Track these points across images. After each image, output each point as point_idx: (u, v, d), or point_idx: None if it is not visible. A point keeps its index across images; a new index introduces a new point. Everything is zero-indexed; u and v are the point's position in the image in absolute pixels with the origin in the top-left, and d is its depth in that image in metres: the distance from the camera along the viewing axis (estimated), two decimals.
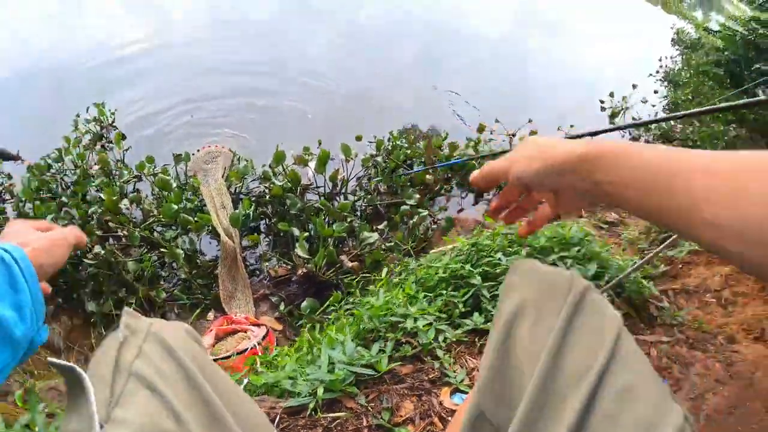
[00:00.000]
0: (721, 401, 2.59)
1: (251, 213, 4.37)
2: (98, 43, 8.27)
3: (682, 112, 3.03)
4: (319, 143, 5.10)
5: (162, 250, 4.01)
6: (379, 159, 5.14)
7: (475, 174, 0.98)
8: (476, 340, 2.50)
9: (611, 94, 8.38)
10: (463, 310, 2.63)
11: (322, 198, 4.68)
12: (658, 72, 11.56)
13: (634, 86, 8.60)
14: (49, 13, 9.44)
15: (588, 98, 8.57)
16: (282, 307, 3.98)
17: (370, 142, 5.37)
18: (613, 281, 2.65)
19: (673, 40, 14.92)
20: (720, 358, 2.83)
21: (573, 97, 8.64)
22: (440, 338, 2.46)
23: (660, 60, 12.06)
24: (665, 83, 10.99)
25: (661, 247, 3.17)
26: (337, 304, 3.43)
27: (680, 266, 4.01)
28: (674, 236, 3.43)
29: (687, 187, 0.61)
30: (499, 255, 2.86)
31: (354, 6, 10.72)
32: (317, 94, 7.12)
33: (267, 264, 4.27)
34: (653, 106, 9.56)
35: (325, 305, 3.63)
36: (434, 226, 4.72)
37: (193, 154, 5.21)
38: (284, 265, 4.18)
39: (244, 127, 6.11)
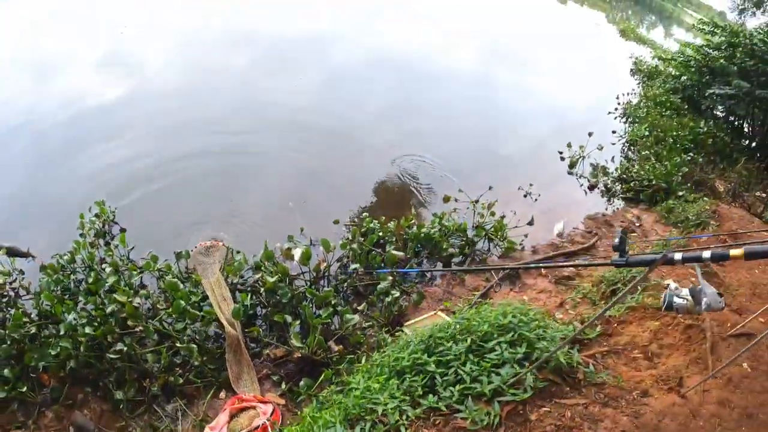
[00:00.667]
0: None
1: (249, 304, 5.06)
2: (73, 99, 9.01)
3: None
4: (302, 230, 5.89)
5: (175, 343, 4.68)
6: (354, 246, 5.83)
7: None
8: (431, 415, 3.21)
9: (569, 145, 9.02)
10: (421, 392, 3.33)
11: (310, 287, 5.39)
12: (616, 109, 12.27)
13: (590, 134, 9.18)
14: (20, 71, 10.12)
15: (549, 147, 9.21)
16: (283, 385, 4.63)
17: (347, 225, 6.10)
18: (538, 361, 3.34)
19: (631, 70, 15.87)
20: (629, 412, 3.42)
21: (536, 148, 9.30)
22: (404, 417, 3.17)
23: (617, 98, 12.77)
24: (624, 119, 11.69)
25: (597, 315, 3.88)
26: (329, 380, 4.19)
27: (615, 325, 4.67)
28: (619, 295, 4.18)
29: None
30: (450, 344, 3.59)
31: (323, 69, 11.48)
32: (297, 167, 7.85)
33: (266, 351, 4.94)
34: (613, 144, 10.26)
35: (319, 380, 4.39)
36: (406, 301, 5.42)
37: (191, 251, 5.85)
38: (281, 347, 4.86)
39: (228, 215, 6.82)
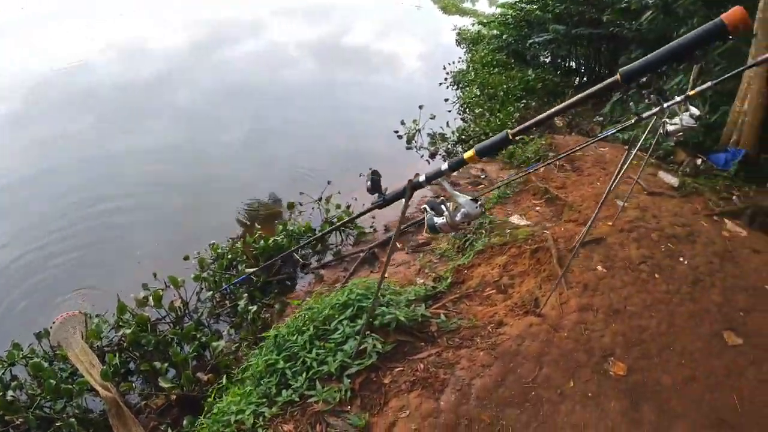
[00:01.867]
0: (488, 380, 3.40)
1: (118, 362, 5.02)
2: None
3: None
4: (155, 275, 5.83)
5: (56, 423, 4.58)
6: (205, 275, 5.90)
7: None
8: (287, 409, 3.37)
9: (402, 122, 9.45)
10: (275, 390, 3.50)
11: (174, 327, 5.40)
12: (446, 79, 12.84)
13: (420, 107, 9.58)
14: None
15: (392, 131, 9.57)
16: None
17: (195, 258, 6.11)
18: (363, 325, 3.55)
19: (456, 41, 16.76)
20: (485, 346, 3.68)
21: (380, 135, 9.62)
22: (260, 419, 3.32)
23: (444, 68, 13.36)
24: (455, 86, 12.36)
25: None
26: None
27: (465, 271, 5.05)
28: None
29: None
30: (295, 336, 3.77)
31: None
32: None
33: (145, 402, 4.92)
34: (449, 111, 10.82)
35: (203, 414, 4.43)
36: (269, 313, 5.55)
37: (50, 328, 5.67)
38: (160, 395, 4.86)
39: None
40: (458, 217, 2.19)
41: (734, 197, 6.78)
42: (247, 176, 8.25)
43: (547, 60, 13.84)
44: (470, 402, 3.28)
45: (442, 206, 2.27)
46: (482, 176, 7.92)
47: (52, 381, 4.74)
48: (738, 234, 5.62)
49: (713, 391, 3.54)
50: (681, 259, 4.71)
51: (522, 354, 3.59)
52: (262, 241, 6.15)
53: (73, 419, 4.53)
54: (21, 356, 5.32)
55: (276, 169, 8.44)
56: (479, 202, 2.21)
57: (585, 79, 13.66)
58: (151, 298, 5.48)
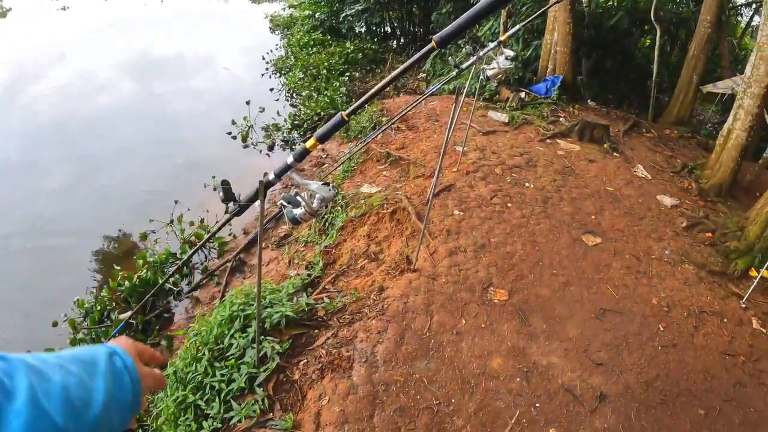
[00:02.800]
0: (389, 344, 3.47)
1: None
2: None
3: None
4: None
5: None
6: (81, 335, 5.39)
7: None
8: None
9: (233, 122, 9.15)
10: (195, 426, 3.32)
11: None
12: (267, 69, 12.59)
13: (247, 103, 9.41)
14: None
15: (225, 131, 9.19)
16: None
17: (64, 321, 5.55)
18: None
19: (270, 28, 16.45)
20: (374, 314, 3.73)
21: (217, 141, 9.16)
22: None
23: (263, 58, 13.12)
24: (278, 74, 12.18)
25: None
26: None
27: (333, 251, 5.06)
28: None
29: None
30: (194, 365, 3.59)
31: None
32: None
33: None
34: (277, 100, 10.63)
35: None
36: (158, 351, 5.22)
37: None
38: None
39: None
40: (315, 204, 2.20)
41: (561, 118, 7.44)
42: (87, 216, 7.57)
43: (363, 30, 14.08)
44: (379, 368, 3.34)
45: (298, 197, 2.25)
46: (324, 156, 7.98)
47: None
48: (572, 150, 6.19)
49: (589, 287, 3.96)
50: (527, 184, 5.12)
51: (411, 310, 3.70)
52: (126, 282, 5.72)
53: None
54: None
55: (116, 201, 7.81)
56: (331, 184, 2.23)
57: (402, 40, 14.20)
58: None
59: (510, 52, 4.04)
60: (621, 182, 5.65)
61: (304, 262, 5.26)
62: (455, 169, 5.29)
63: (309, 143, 2.06)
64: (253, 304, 3.80)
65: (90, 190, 8.04)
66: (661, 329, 3.70)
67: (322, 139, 2.04)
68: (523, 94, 8.17)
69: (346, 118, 1.93)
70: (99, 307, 5.60)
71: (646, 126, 8.01)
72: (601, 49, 9.07)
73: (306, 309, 3.95)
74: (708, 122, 10.12)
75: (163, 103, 11.06)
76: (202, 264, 6.34)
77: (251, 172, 8.03)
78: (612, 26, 8.79)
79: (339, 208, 5.47)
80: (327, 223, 5.51)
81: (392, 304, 3.76)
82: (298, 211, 2.26)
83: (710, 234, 5.15)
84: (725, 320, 3.98)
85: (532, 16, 4.52)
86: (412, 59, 1.81)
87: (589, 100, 8.59)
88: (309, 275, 4.64)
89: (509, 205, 4.75)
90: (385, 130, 6.60)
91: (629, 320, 3.72)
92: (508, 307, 3.71)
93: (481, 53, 3.67)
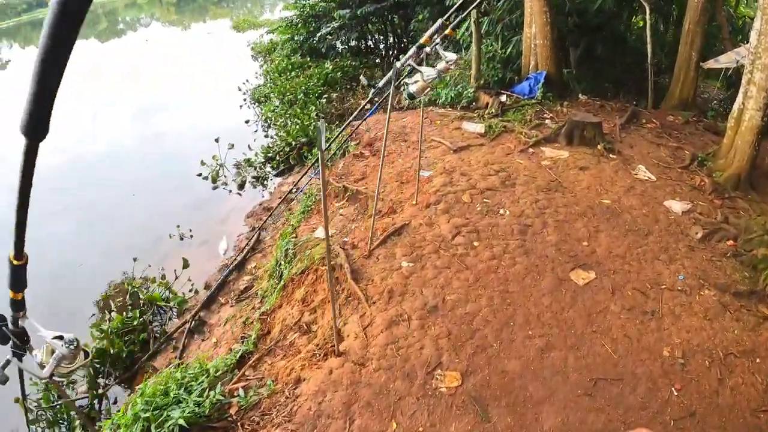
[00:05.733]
0: None
1: None
2: None
3: None
4: None
5: None
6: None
7: None
8: None
9: (202, 162, 8.46)
10: None
11: None
12: (245, 100, 12.00)
13: (216, 140, 8.71)
14: None
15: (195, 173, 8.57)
16: None
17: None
18: None
19: (252, 56, 15.99)
20: (279, 419, 2.91)
21: (183, 185, 8.55)
22: None
23: (239, 89, 12.55)
24: (255, 105, 11.58)
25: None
26: None
27: (268, 319, 4.22)
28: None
29: None
30: None
31: None
32: None
33: None
34: (255, 131, 10.04)
35: None
36: None
37: None
38: None
39: None
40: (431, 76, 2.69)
41: (547, 121, 6.60)
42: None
43: (344, 47, 13.49)
44: None
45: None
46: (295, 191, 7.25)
47: None
48: (559, 157, 5.34)
49: (577, 348, 3.07)
50: (502, 211, 4.25)
51: (325, 413, 2.87)
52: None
53: None
54: None
55: (72, 276, 7.15)
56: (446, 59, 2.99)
57: (386, 53, 13.54)
58: None
59: (451, 56, 3.24)
60: (620, 191, 4.73)
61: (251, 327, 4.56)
62: (414, 202, 4.46)
63: (423, 40, 2.75)
64: (164, 407, 3.12)
65: (36, 249, 7.39)
66: (675, 394, 2.81)
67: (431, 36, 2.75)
68: (504, 98, 7.33)
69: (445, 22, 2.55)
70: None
71: (647, 115, 7.06)
72: (588, 35, 8.18)
73: (216, 406, 3.22)
74: (713, 99, 9.09)
75: (134, 153, 10.42)
76: (160, 326, 5.74)
77: (216, 215, 7.41)
78: (597, 10, 7.86)
79: (288, 258, 4.74)
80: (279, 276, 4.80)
81: (304, 404, 2.95)
82: (414, 86, 2.69)
83: (732, 242, 4.24)
84: (757, 360, 3.11)
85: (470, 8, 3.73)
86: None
87: (580, 94, 7.68)
88: (237, 352, 3.89)
89: (476, 244, 3.86)
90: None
91: (631, 389, 2.81)
92: (460, 396, 2.81)
93: (398, 64, 2.91)
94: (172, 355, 5.24)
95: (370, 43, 13.95)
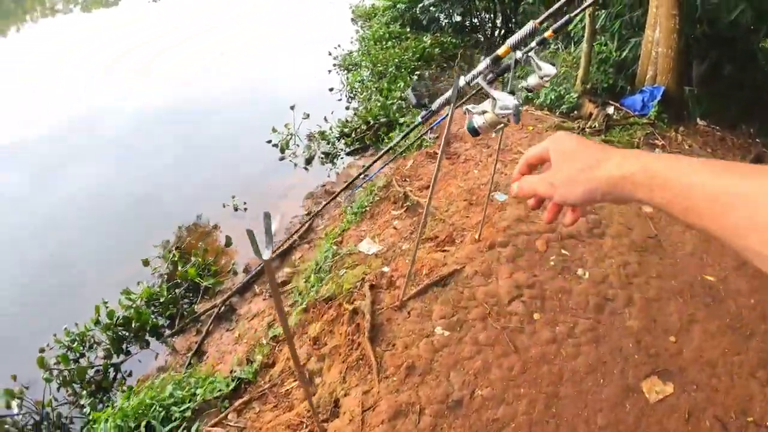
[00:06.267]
0: None
1: None
2: None
3: None
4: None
5: None
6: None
7: (515, 190, 1.00)
8: None
9: (274, 129, 8.00)
10: None
11: None
12: (335, 66, 11.36)
13: (292, 107, 8.22)
14: None
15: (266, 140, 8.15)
16: None
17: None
18: None
19: (352, 19, 15.24)
20: None
21: (254, 151, 8.21)
22: None
23: (330, 53, 11.87)
24: (344, 72, 10.90)
25: None
26: None
27: (277, 347, 3.80)
28: None
29: (735, 224, 0.65)
30: None
31: None
32: None
33: None
34: (339, 100, 9.47)
35: None
36: None
37: None
38: None
39: None
40: (496, 113, 2.04)
41: (657, 149, 5.66)
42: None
43: (447, 21, 12.66)
44: None
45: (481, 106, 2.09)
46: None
47: None
48: None
49: None
50: (580, 272, 3.44)
51: None
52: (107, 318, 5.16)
53: None
54: None
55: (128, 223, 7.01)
56: (517, 93, 2.27)
57: (492, 33, 12.64)
58: None
59: (549, 69, 2.49)
60: (728, 266, 3.72)
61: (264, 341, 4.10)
62: (477, 236, 3.75)
63: (501, 50, 2.14)
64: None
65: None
66: None
67: (515, 47, 2.13)
68: (611, 110, 6.38)
69: (538, 26, 2.09)
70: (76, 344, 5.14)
71: None
72: (717, 49, 6.94)
73: None
74: None
75: (213, 110, 10.16)
76: (190, 304, 5.54)
77: (278, 190, 6.99)
78: (732, 22, 6.60)
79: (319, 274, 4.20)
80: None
81: None
82: (478, 120, 2.11)
83: None
84: None
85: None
86: None
87: (698, 119, 6.56)
88: (234, 379, 3.39)
89: (536, 316, 3.06)
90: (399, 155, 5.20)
91: None
92: None
93: (462, 80, 2.25)
94: (194, 339, 5.01)
95: (475, 20, 12.98)
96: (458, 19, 12.70)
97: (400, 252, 3.90)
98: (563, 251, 3.56)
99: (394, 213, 4.59)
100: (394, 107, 7.90)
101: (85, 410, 4.62)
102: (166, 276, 5.79)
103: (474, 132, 2.09)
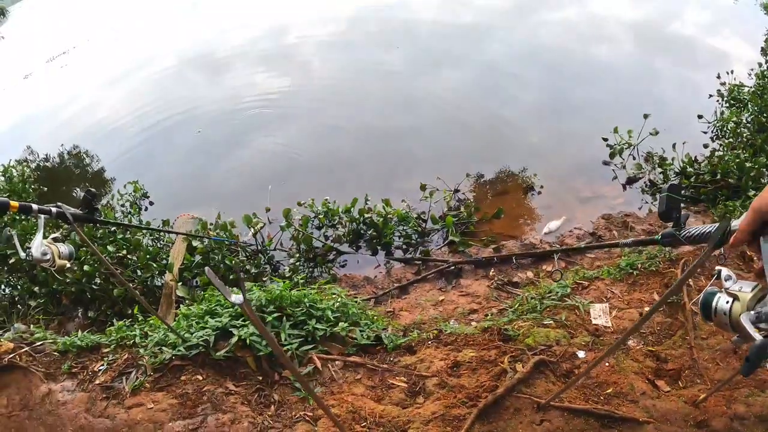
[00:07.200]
0: None
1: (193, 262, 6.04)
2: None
3: None
4: (267, 210, 6.69)
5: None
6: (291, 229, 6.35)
7: (737, 239, 1.24)
8: None
9: (615, 130, 7.67)
10: None
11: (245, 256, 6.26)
12: (719, 92, 9.31)
13: (645, 116, 7.60)
14: None
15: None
16: None
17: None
18: None
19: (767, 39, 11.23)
20: None
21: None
22: None
23: (719, 77, 9.66)
24: (727, 104, 9.04)
25: None
26: None
27: None
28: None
29: None
30: None
31: None
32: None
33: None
34: (704, 132, 8.34)
35: None
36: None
37: (174, 221, 6.83)
38: None
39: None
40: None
41: None
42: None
43: None
44: None
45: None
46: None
47: (145, 255, 5.91)
48: None
49: None
50: None
51: None
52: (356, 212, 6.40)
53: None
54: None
55: None
56: None
57: None
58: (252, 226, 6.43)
59: None
60: None
61: (489, 321, 4.19)
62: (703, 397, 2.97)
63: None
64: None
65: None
66: None
67: None
68: None
69: None
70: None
71: None
72: None
73: None
74: None
75: None
76: (427, 245, 6.30)
77: (583, 191, 7.13)
78: None
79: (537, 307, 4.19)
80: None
81: None
82: (724, 304, 1.42)
83: None
84: None
85: None
86: None
87: None
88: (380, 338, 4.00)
89: None
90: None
91: None
92: None
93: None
94: (411, 274, 5.81)
95: None
96: None
97: (623, 346, 3.40)
98: None
99: (655, 297, 4.00)
100: (752, 173, 6.42)
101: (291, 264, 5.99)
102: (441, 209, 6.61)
103: (705, 311, 1.49)
